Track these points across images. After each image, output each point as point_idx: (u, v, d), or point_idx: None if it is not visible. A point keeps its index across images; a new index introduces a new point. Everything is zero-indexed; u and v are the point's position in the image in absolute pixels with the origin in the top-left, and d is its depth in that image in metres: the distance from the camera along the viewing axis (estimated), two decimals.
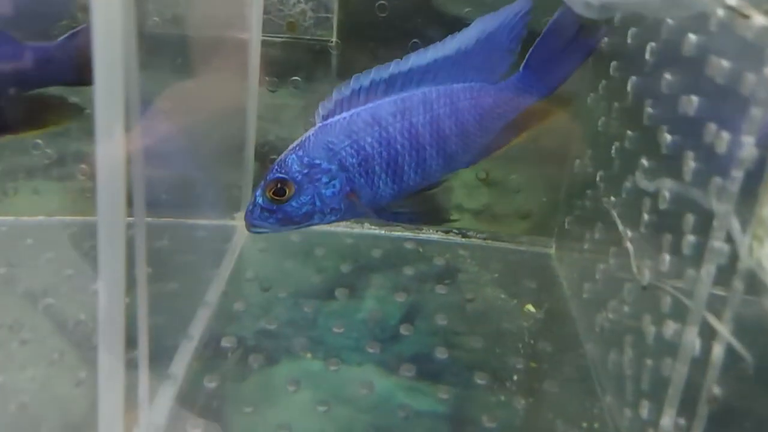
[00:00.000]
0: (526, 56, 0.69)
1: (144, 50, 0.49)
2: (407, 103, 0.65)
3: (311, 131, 0.66)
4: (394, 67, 0.66)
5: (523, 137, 0.70)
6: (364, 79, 0.65)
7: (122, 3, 0.43)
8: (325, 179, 0.64)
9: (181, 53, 0.80)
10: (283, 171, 0.64)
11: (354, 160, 0.65)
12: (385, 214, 0.69)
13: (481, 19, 0.67)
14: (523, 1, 0.67)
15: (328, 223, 0.67)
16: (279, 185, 0.64)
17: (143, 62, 0.48)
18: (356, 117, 0.65)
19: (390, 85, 0.65)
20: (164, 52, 0.81)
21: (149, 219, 0.55)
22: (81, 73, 0.68)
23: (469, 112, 0.67)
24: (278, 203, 0.64)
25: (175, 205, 0.81)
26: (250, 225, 0.66)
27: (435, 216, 0.75)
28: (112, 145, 0.46)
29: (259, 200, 0.65)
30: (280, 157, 0.66)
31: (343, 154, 0.65)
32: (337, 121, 0.65)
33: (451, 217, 0.85)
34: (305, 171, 0.64)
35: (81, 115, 0.73)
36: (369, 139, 0.65)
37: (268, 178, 0.65)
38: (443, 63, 0.66)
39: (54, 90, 0.70)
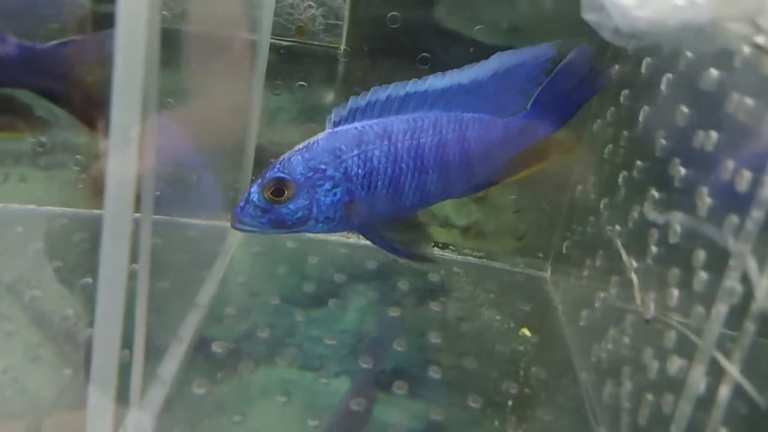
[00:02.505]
0: (535, 95, 0.68)
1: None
2: (419, 124, 0.64)
3: (320, 135, 0.63)
4: (412, 86, 0.64)
5: (522, 175, 0.70)
6: (382, 93, 0.64)
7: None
8: (327, 186, 0.61)
9: (188, 50, 0.79)
10: (285, 171, 0.61)
11: (360, 171, 0.63)
12: (372, 235, 0.66)
13: (502, 54, 0.65)
14: (548, 47, 0.66)
15: (317, 232, 0.64)
16: (278, 185, 0.61)
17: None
18: (368, 128, 0.63)
19: (404, 103, 0.64)
20: (170, 47, 0.79)
21: None
22: (56, 85, 0.66)
23: (475, 142, 0.66)
24: (274, 203, 0.61)
25: (172, 203, 0.80)
26: (237, 221, 0.62)
27: (417, 252, 0.71)
28: (126, 146, 0.45)
29: (254, 197, 0.61)
30: (283, 156, 0.62)
31: (350, 163, 0.62)
32: (348, 130, 0.63)
33: (433, 258, 0.79)
34: (309, 174, 0.61)
35: (47, 128, 0.71)
36: (377, 153, 0.63)
37: (267, 175, 0.61)
38: (458, 90, 0.65)
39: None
